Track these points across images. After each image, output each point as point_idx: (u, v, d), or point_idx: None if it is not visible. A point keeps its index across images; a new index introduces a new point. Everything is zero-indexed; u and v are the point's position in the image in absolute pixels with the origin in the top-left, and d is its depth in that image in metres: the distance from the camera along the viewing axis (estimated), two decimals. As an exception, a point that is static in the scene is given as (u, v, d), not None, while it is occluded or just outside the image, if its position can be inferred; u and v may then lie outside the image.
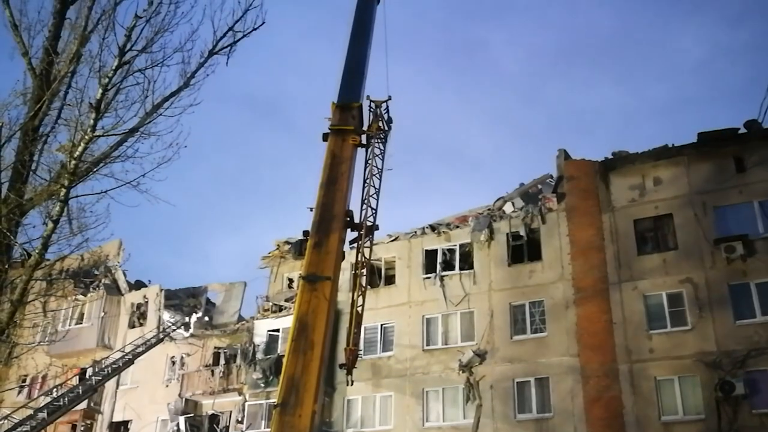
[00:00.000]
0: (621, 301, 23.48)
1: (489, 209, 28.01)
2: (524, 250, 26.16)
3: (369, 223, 17.44)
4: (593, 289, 24.01)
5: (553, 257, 25.28)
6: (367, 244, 17.56)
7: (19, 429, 24.10)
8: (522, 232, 26.24)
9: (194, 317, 32.06)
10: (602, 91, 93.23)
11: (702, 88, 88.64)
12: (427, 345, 26.24)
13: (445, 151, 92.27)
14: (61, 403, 25.75)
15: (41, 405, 25.79)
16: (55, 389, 27.61)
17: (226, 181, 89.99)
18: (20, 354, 16.61)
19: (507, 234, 26.53)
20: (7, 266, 13.05)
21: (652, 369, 22.30)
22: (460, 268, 26.90)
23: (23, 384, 32.12)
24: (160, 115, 13.14)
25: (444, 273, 26.98)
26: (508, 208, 27.40)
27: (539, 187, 28.07)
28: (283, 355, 26.54)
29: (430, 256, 27.75)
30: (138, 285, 34.48)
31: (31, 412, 25.19)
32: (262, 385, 28.19)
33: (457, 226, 27.98)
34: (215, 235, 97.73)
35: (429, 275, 27.25)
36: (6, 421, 24.90)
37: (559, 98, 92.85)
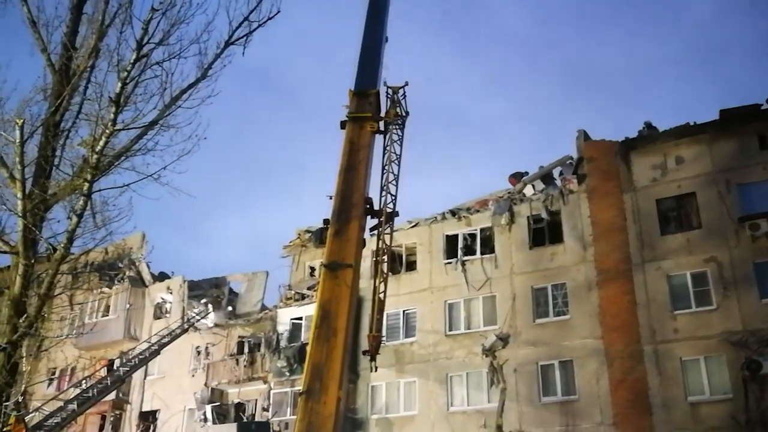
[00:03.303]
0: (644, 281, 23.31)
1: (509, 192, 27.87)
2: (545, 232, 26.04)
3: (389, 210, 17.43)
4: (616, 271, 23.86)
5: (574, 239, 25.14)
6: (388, 230, 17.56)
7: (49, 421, 24.49)
8: (543, 215, 26.11)
9: (211, 308, 32.32)
10: (613, 48, 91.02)
11: (716, 42, 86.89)
12: (450, 330, 26.26)
13: (449, 120, 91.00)
14: (91, 395, 26.12)
15: (71, 397, 26.17)
16: (84, 381, 28.00)
17: (228, 163, 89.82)
18: (49, 347, 16.89)
19: (528, 217, 26.41)
20: (33, 261, 13.26)
21: (677, 349, 22.15)
22: (482, 253, 26.84)
23: (53, 376, 32.67)
24: (179, 107, 13.25)
25: (465, 258, 26.94)
26: (528, 190, 27.25)
27: (560, 169, 27.84)
28: (307, 343, 26.73)
29: (451, 241, 27.71)
30: (162, 277, 34.83)
31: (61, 404, 25.57)
32: (287, 373, 28.40)
33: (477, 210, 27.90)
34: (223, 220, 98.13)
35: (450, 260, 27.22)
36: (37, 413, 25.32)
37: (568, 58, 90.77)
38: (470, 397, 25.03)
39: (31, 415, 19.66)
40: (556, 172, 28.41)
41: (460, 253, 27.09)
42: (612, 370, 22.84)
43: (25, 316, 13.20)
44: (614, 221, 24.51)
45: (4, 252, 13.43)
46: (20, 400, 16.45)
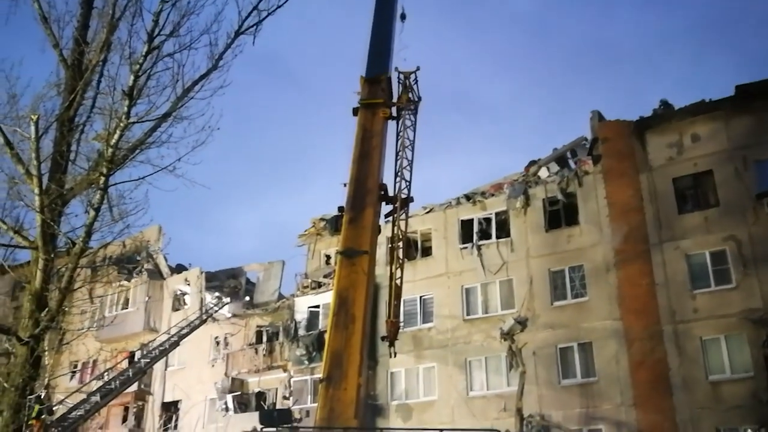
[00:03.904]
0: (663, 261, 23.16)
1: (523, 176, 27.73)
2: (561, 215, 25.92)
3: (404, 196, 17.41)
4: (634, 251, 23.72)
5: (591, 221, 25.00)
6: (403, 216, 17.55)
7: (73, 413, 24.80)
8: (558, 197, 25.98)
9: (229, 299, 32.50)
10: (623, 25, 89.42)
11: (731, 12, 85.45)
12: (468, 315, 26.27)
13: (460, 104, 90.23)
14: (113, 387, 26.41)
15: (94, 389, 26.48)
16: (105, 373, 28.32)
17: (236, 152, 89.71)
18: (71, 340, 17.05)
19: (543, 200, 26.29)
20: (53, 255, 13.37)
21: (697, 329, 22.02)
22: (497, 237, 26.77)
23: (75, 369, 33.03)
24: (191, 98, 13.24)
25: (481, 242, 26.88)
26: (543, 173, 27.10)
27: (576, 151, 27.66)
28: (325, 331, 26.85)
29: (466, 226, 27.65)
30: (179, 269, 35.06)
31: (84, 396, 25.87)
32: (306, 361, 28.56)
33: (492, 194, 27.79)
34: (234, 210, 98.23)
35: (466, 245, 27.17)
36: (61, 405, 25.62)
37: (578, 37, 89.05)
38: (489, 382, 25.06)
39: (54, 408, 19.90)
40: (569, 155, 28.24)
41: (475, 237, 27.02)
42: (632, 351, 22.75)
43: (47, 310, 13.33)
44: (631, 201, 24.33)
45: (24, 247, 13.55)
46: (44, 394, 16.61)
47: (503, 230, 26.88)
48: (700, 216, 23.20)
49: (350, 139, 16.43)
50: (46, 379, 17.77)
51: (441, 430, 8.36)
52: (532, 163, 28.39)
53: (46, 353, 15.02)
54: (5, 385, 13.38)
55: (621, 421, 22.35)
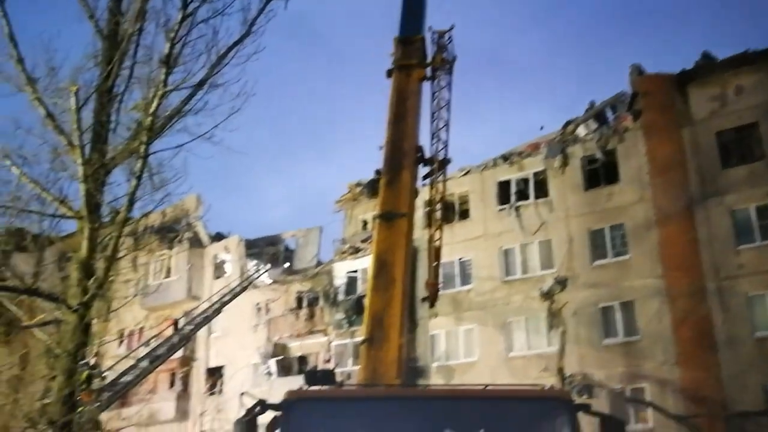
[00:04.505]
0: (706, 217, 22.73)
1: (561, 134, 27.30)
2: (600, 173, 25.53)
3: (441, 157, 17.28)
4: (676, 208, 23.30)
5: (631, 178, 24.59)
6: (441, 177, 17.44)
7: (122, 379, 25.47)
8: (597, 155, 25.56)
9: (269, 266, 32.89)
10: None
11: None
12: (507, 276, 26.20)
13: (492, 62, 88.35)
14: (160, 353, 27.03)
15: (141, 356, 27.11)
16: (152, 340, 28.96)
17: (267, 118, 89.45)
18: (117, 308, 17.44)
19: (582, 158, 25.90)
20: (98, 224, 13.65)
21: (742, 285, 21.65)
22: (536, 197, 26.52)
23: (122, 337, 33.86)
24: (226, 65, 13.31)
25: (519, 203, 26.66)
26: (581, 131, 26.65)
27: (616, 107, 27.09)
28: (364, 295, 27.01)
29: (504, 187, 27.42)
30: (218, 237, 35.52)
31: (132, 362, 26.51)
32: (346, 324, 28.88)
33: (529, 154, 27.46)
34: (265, 176, 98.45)
35: (503, 206, 26.98)
36: (110, 371, 26.34)
37: None
38: (530, 342, 25.05)
39: (104, 374, 20.49)
40: (608, 112, 27.66)
41: (513, 198, 26.81)
42: (674, 309, 22.49)
43: (94, 278, 13.66)
44: (673, 157, 23.82)
45: (69, 217, 13.85)
46: (94, 360, 17.09)
47: (541, 190, 26.60)
48: (744, 170, 22.64)
49: (383, 102, 16.28)
50: (96, 346, 18.22)
51: (485, 386, 8.37)
52: (570, 122, 27.93)
53: (95, 321, 15.38)
54: (57, 351, 13.81)
55: (664, 379, 22.21)
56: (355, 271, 29.69)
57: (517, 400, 7.57)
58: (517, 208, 26.57)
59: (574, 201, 25.60)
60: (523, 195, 26.94)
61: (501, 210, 27.02)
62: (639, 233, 23.89)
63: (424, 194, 18.72)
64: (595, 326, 23.80)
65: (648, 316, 22.94)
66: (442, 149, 17.44)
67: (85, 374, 14.78)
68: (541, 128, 28.56)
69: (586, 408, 7.20)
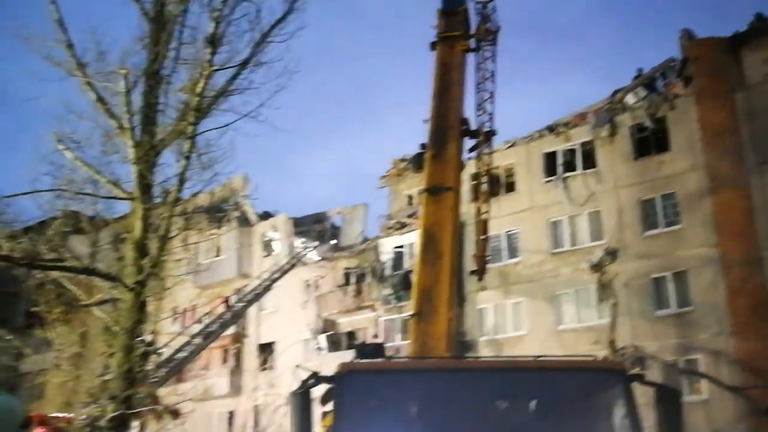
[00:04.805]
0: (761, 184, 22.06)
1: (609, 103, 26.72)
2: (650, 141, 24.96)
3: (486, 129, 17.10)
4: (730, 175, 22.64)
5: (683, 146, 23.97)
6: (486, 150, 17.29)
7: (177, 355, 26.15)
8: (647, 123, 24.97)
9: (316, 243, 33.15)
10: None
11: None
12: (555, 248, 25.93)
13: (535, 30, 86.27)
14: (212, 330, 27.65)
15: (195, 333, 27.77)
16: (204, 317, 29.62)
17: (310, 95, 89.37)
18: (171, 286, 17.82)
19: (630, 127, 25.34)
20: (150, 206, 13.96)
21: (800, 253, 21.02)
22: (583, 168, 26.09)
23: (176, 315, 34.67)
24: (270, 42, 13.37)
25: (566, 174, 26.28)
26: (629, 99, 26.02)
27: (665, 73, 26.36)
28: (411, 270, 27.08)
29: (550, 158, 27.03)
30: (266, 215, 35.95)
31: (186, 339, 27.18)
32: (394, 300, 29.02)
33: (576, 125, 26.97)
34: (308, 153, 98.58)
35: (550, 178, 26.64)
36: (166, 348, 27.04)
37: None
38: (580, 315, 24.81)
39: (160, 350, 21.04)
40: (657, 78, 26.92)
41: (560, 170, 26.43)
42: (729, 279, 21.97)
43: (148, 257, 14.01)
44: (725, 123, 23.11)
45: (123, 198, 14.20)
46: (150, 337, 17.53)
47: (589, 161, 26.15)
48: (802, 134, 21.87)
49: (427, 75, 16.16)
50: (152, 324, 18.69)
51: (537, 357, 8.33)
52: (618, 90, 27.30)
53: (150, 299, 15.77)
54: (115, 328, 14.23)
55: (719, 350, 21.78)
56: (402, 247, 29.76)
57: (571, 371, 7.51)
58: (565, 180, 26.20)
59: (624, 171, 25.11)
60: (570, 166, 26.52)
61: (548, 182, 26.67)
62: (691, 202, 23.34)
63: (469, 168, 18.62)
64: (647, 297, 23.44)
65: (702, 286, 22.48)
66: (487, 121, 17.27)
67: (142, 351, 15.22)
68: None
69: (640, 378, 7.11)
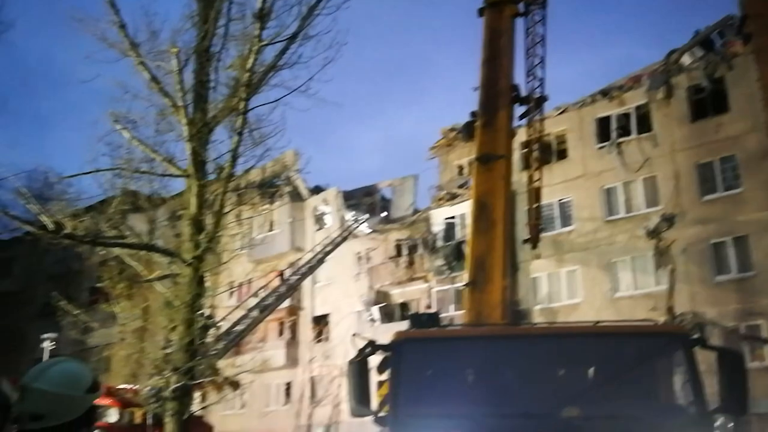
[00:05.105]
0: (828, 144, 21.21)
1: (664, 64, 25.92)
2: (708, 103, 24.17)
3: (537, 95, 16.80)
4: (793, 136, 21.83)
5: (742, 106, 23.15)
6: (537, 116, 17.01)
7: (235, 328, 26.74)
8: (704, 84, 24.17)
9: (366, 215, 33.28)
10: None
11: None
12: (609, 215, 25.50)
13: None
14: (268, 303, 28.16)
15: (251, 306, 28.32)
16: (260, 291, 30.16)
17: (355, 67, 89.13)
18: (227, 261, 18.16)
19: (687, 88, 24.58)
20: (204, 182, 14.21)
21: None
22: (638, 132, 25.47)
23: (232, 289, 35.42)
24: (317, 15, 13.34)
25: (620, 139, 25.70)
26: (685, 60, 25.20)
27: (723, 32, 25.41)
28: (463, 241, 27.01)
29: (603, 123, 26.46)
30: (317, 190, 36.26)
31: (243, 312, 27.75)
32: (446, 271, 29.01)
33: (630, 88, 26.28)
34: (355, 126, 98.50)
35: (603, 144, 26.10)
36: (224, 321, 27.68)
37: None
38: (637, 281, 24.44)
39: (219, 324, 21.56)
40: (715, 37, 25.97)
41: (613, 135, 25.85)
42: (793, 243, 21.30)
43: (204, 233, 14.30)
44: (789, 81, 22.23)
45: (178, 176, 14.48)
46: (209, 311, 17.96)
47: (644, 125, 25.50)
48: None
49: (476, 42, 15.92)
50: (210, 298, 19.15)
51: (595, 323, 8.25)
52: (673, 51, 26.46)
53: (207, 274, 16.13)
54: (176, 303, 14.62)
55: (783, 316, 21.21)
56: (453, 217, 29.67)
57: (630, 336, 7.42)
58: (619, 145, 25.64)
59: (680, 134, 24.42)
60: (624, 131, 25.93)
61: (601, 148, 26.14)
62: (752, 164, 22.60)
63: (520, 135, 18.34)
64: (706, 263, 22.90)
65: (763, 250, 21.84)
66: (538, 87, 16.94)
67: (202, 324, 15.62)
68: None
69: (702, 343, 6.96)
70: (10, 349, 34.95)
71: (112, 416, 18.69)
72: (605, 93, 26.82)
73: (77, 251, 21.95)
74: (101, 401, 17.56)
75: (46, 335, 27.63)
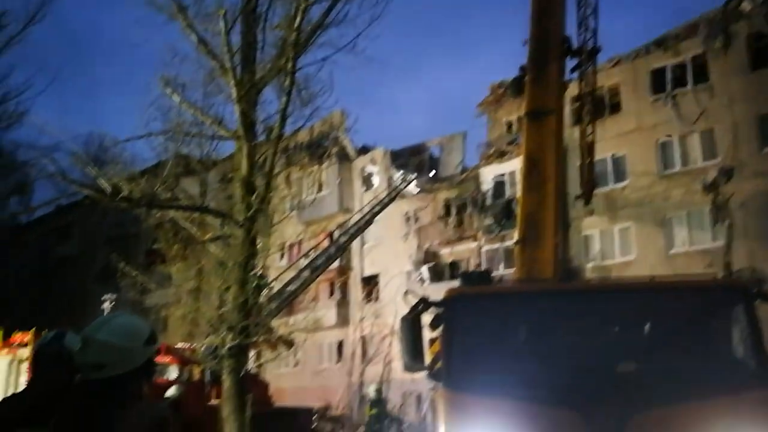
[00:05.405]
0: None
1: (722, 11, 24.83)
2: (769, 51, 23.17)
3: (589, 47, 16.32)
4: None
5: (807, 53, 22.13)
6: (590, 69, 16.54)
7: (287, 288, 27.17)
8: (766, 31, 23.11)
9: (414, 175, 33.13)
10: None
11: None
12: (664, 170, 24.87)
13: None
14: (318, 264, 28.46)
15: (302, 267, 28.68)
16: (310, 252, 30.49)
17: (398, 24, 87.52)
18: (278, 222, 18.35)
19: (747, 36, 23.57)
20: (254, 143, 14.33)
21: None
22: (694, 83, 24.61)
23: (283, 250, 35.93)
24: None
25: (676, 91, 24.89)
26: (745, 5, 24.09)
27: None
28: (512, 199, 26.74)
29: (658, 75, 25.63)
30: (364, 150, 36.21)
31: (294, 273, 28.13)
32: (495, 229, 28.83)
33: (686, 37, 25.32)
34: (400, 84, 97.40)
35: (658, 96, 25.32)
36: (276, 282, 28.12)
37: None
38: (692, 237, 23.90)
39: (271, 284, 21.93)
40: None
41: (668, 86, 25.04)
42: None
43: (256, 194, 14.48)
44: None
45: (228, 138, 14.64)
46: (261, 272, 18.26)
47: (700, 76, 24.62)
48: None
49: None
50: (262, 259, 19.45)
51: (651, 277, 8.12)
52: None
53: (259, 235, 16.35)
54: (229, 263, 14.91)
55: None
56: (503, 175, 29.35)
57: (689, 290, 7.26)
58: (674, 97, 24.84)
59: (739, 84, 23.51)
60: (680, 82, 25.09)
61: (656, 100, 25.38)
62: (816, 114, 21.68)
63: (572, 89, 17.90)
64: (766, 217, 22.19)
65: (828, 203, 21.06)
66: (590, 38, 16.43)
67: (255, 284, 15.91)
68: None
69: (764, 296, 6.77)
70: (73, 311, 36.32)
71: (172, 373, 19.25)
72: (660, 43, 25.90)
73: (133, 214, 22.53)
74: (161, 359, 18.13)
75: (105, 296, 28.58)
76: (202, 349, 16.09)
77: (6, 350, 18.42)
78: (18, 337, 17.53)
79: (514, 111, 28.34)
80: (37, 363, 3.85)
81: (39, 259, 46.12)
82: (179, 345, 20.76)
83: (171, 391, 12.84)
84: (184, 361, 19.56)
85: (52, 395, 3.58)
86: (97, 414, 2.97)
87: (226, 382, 14.57)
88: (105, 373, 3.01)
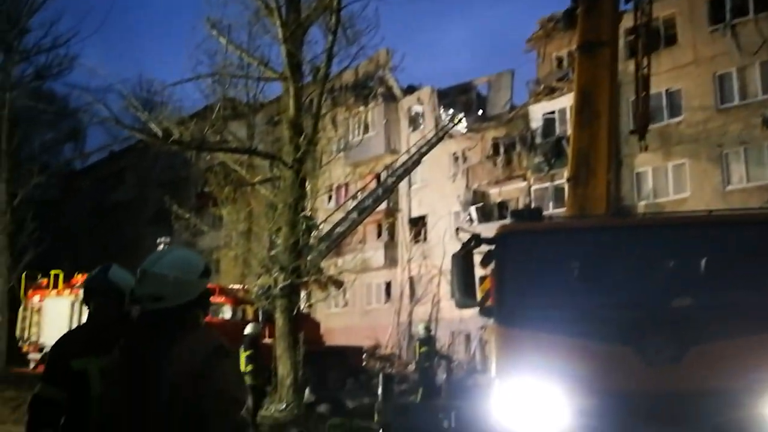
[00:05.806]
0: None
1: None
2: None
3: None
4: None
5: None
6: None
7: (336, 230, 27.43)
8: (836, -47, 21.78)
9: (462, 114, 32.61)
10: None
11: None
12: (722, 104, 23.96)
13: None
14: (366, 205, 28.58)
15: (350, 209, 28.86)
16: (358, 193, 30.61)
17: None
18: (326, 164, 18.42)
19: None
20: (301, 84, 14.28)
21: None
22: (755, 12, 23.42)
23: (331, 192, 36.13)
24: None
25: (735, 21, 23.74)
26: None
27: None
28: (562, 137, 26.24)
29: (717, 4, 24.44)
30: (410, 89, 35.76)
31: (342, 215, 28.34)
32: (545, 168, 28.40)
33: (749, -39, 24.02)
34: (443, 23, 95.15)
35: (716, 26, 24.21)
36: (324, 224, 28.40)
37: None
38: (750, 173, 23.14)
39: (320, 226, 22.15)
40: None
41: (728, 15, 23.89)
42: None
43: (303, 135, 14.51)
44: None
45: (274, 79, 14.61)
46: (310, 213, 18.43)
47: (762, 4, 23.39)
48: None
49: None
50: (311, 201, 19.62)
51: (709, 212, 7.91)
52: None
53: (307, 177, 16.44)
54: (280, 205, 15.08)
55: None
56: (552, 113, 28.74)
57: (747, 225, 7.06)
58: (733, 27, 23.72)
59: (805, 11, 22.30)
60: (740, 11, 23.90)
61: (714, 31, 24.29)
62: None
63: (626, 21, 17.23)
64: (832, 153, 21.35)
65: None
66: (646, -35, 15.75)
67: (304, 225, 16.11)
68: None
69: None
70: (128, 254, 37.46)
71: (226, 313, 19.78)
72: (720, -31, 24.64)
73: (184, 158, 22.86)
74: (215, 300, 18.62)
75: (160, 239, 29.31)
76: (255, 289, 16.47)
77: (68, 291, 19.18)
78: (79, 278, 18.22)
79: (565, 46, 27.54)
80: (86, 298, 3.99)
81: (94, 205, 47.50)
82: (232, 286, 21.27)
83: (249, 329, 13.36)
84: (238, 301, 20.04)
85: (107, 326, 3.73)
86: (156, 343, 3.07)
87: (279, 321, 14.93)
88: (162, 304, 3.12)
